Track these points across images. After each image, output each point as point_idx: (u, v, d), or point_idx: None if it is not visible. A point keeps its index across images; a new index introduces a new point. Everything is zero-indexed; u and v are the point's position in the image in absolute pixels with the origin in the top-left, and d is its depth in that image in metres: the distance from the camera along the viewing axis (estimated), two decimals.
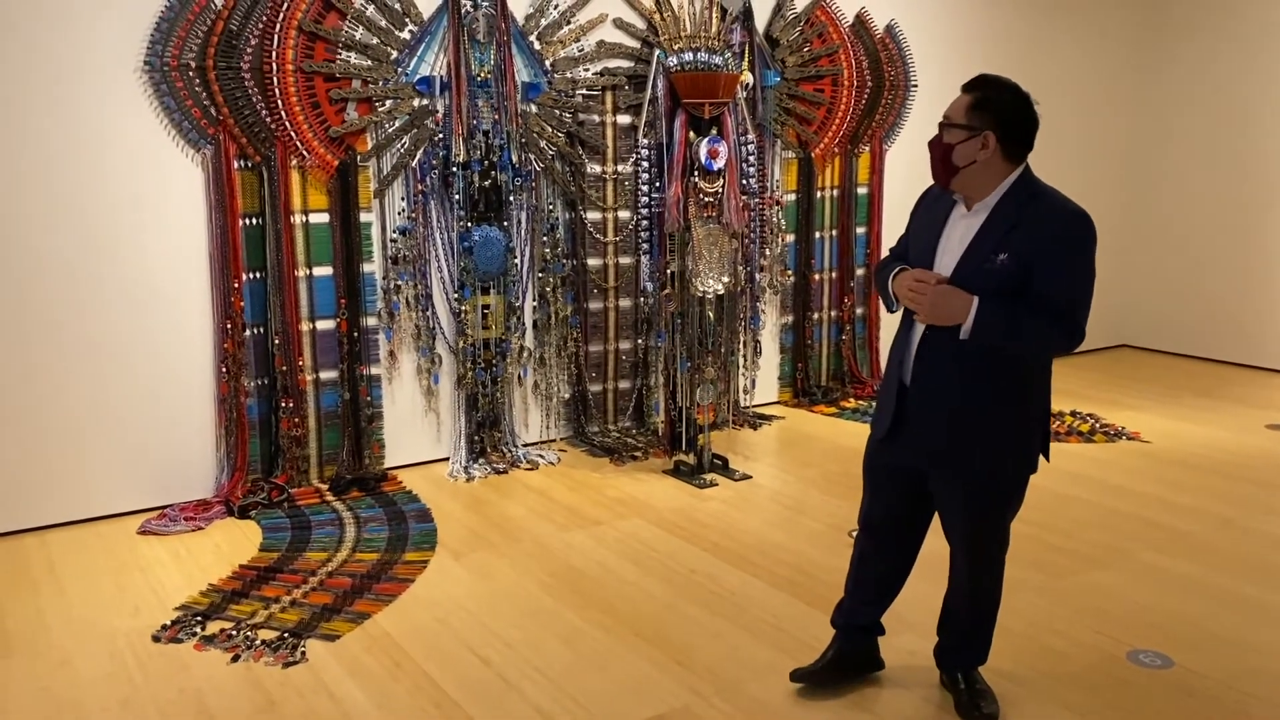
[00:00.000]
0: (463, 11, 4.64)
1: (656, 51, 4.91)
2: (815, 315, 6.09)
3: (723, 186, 4.73)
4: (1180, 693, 2.86)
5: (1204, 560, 3.78)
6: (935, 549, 2.80)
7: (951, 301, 2.43)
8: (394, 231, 4.69)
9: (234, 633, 3.22)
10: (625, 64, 5.16)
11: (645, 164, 5.06)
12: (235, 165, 4.31)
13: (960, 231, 2.53)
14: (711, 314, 4.89)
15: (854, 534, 3.93)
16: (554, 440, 5.28)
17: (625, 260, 5.30)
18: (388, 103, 4.59)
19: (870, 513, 2.83)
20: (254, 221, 4.39)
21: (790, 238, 5.92)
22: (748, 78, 5.30)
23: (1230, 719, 2.75)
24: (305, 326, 4.53)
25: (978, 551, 2.68)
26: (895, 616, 2.90)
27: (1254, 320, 7.00)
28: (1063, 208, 2.45)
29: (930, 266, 2.55)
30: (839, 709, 2.79)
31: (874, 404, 2.91)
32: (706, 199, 4.70)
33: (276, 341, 4.46)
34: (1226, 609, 3.39)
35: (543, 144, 4.96)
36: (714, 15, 4.81)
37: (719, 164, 4.67)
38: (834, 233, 6.08)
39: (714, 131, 4.69)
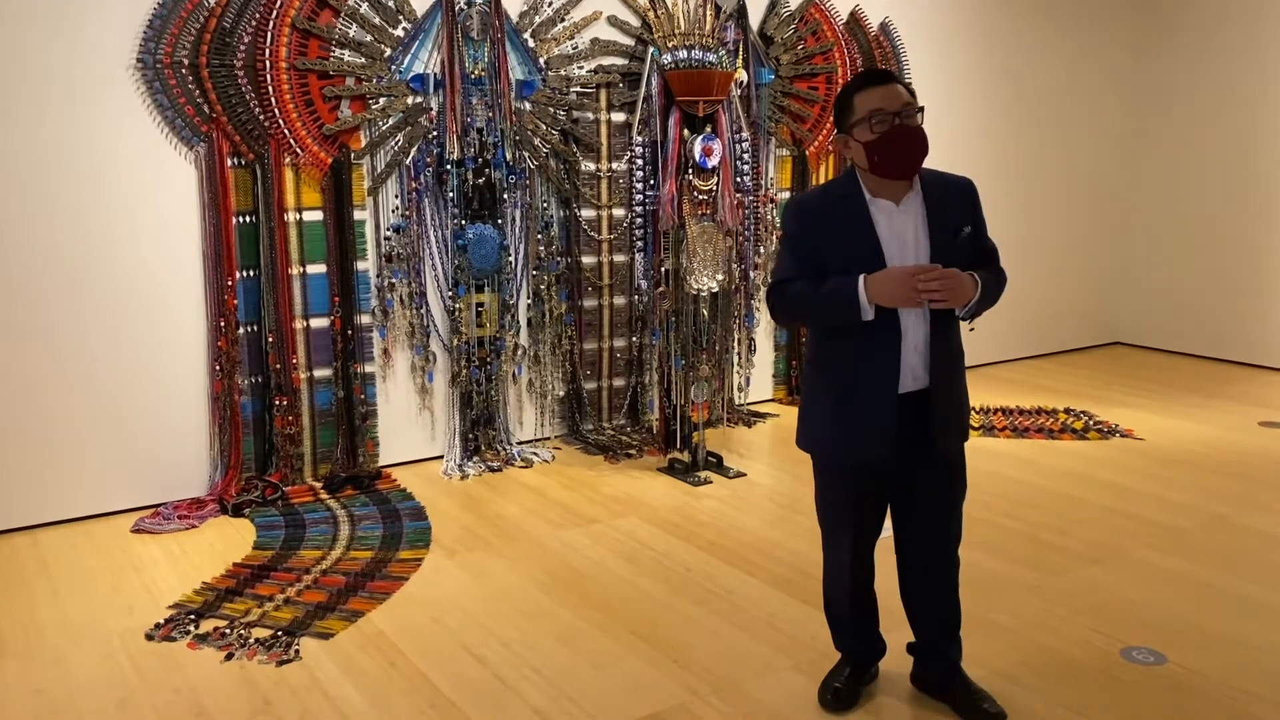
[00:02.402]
0: (456, 9, 4.63)
1: (651, 49, 4.91)
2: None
3: (717, 184, 4.73)
4: (1173, 689, 2.87)
5: (1197, 557, 3.79)
6: None
7: (964, 281, 2.44)
8: (388, 229, 4.68)
9: (228, 631, 3.21)
10: (620, 61, 5.15)
11: (640, 162, 5.06)
12: (229, 163, 4.30)
13: (905, 222, 2.52)
14: (706, 312, 4.89)
15: None
16: (548, 438, 5.28)
17: (620, 258, 5.29)
18: (381, 100, 4.58)
19: (863, 540, 2.72)
20: (247, 219, 4.38)
21: None
22: (742, 75, 5.30)
23: (1223, 715, 2.75)
24: (299, 324, 4.52)
25: (956, 527, 2.74)
26: (889, 613, 2.89)
27: (1247, 318, 7.02)
28: (955, 175, 2.63)
29: (882, 266, 2.49)
30: None
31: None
32: (701, 197, 4.70)
33: (270, 339, 4.45)
34: (1219, 606, 3.40)
35: (537, 141, 4.96)
36: (708, 13, 4.81)
37: (713, 162, 4.67)
38: None
39: (708, 129, 4.69)
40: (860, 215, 2.52)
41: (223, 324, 4.35)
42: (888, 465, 2.62)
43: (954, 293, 2.42)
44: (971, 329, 2.68)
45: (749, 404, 5.89)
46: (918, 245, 2.51)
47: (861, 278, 2.46)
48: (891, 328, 2.51)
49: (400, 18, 4.58)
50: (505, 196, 4.87)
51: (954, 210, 2.56)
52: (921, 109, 2.51)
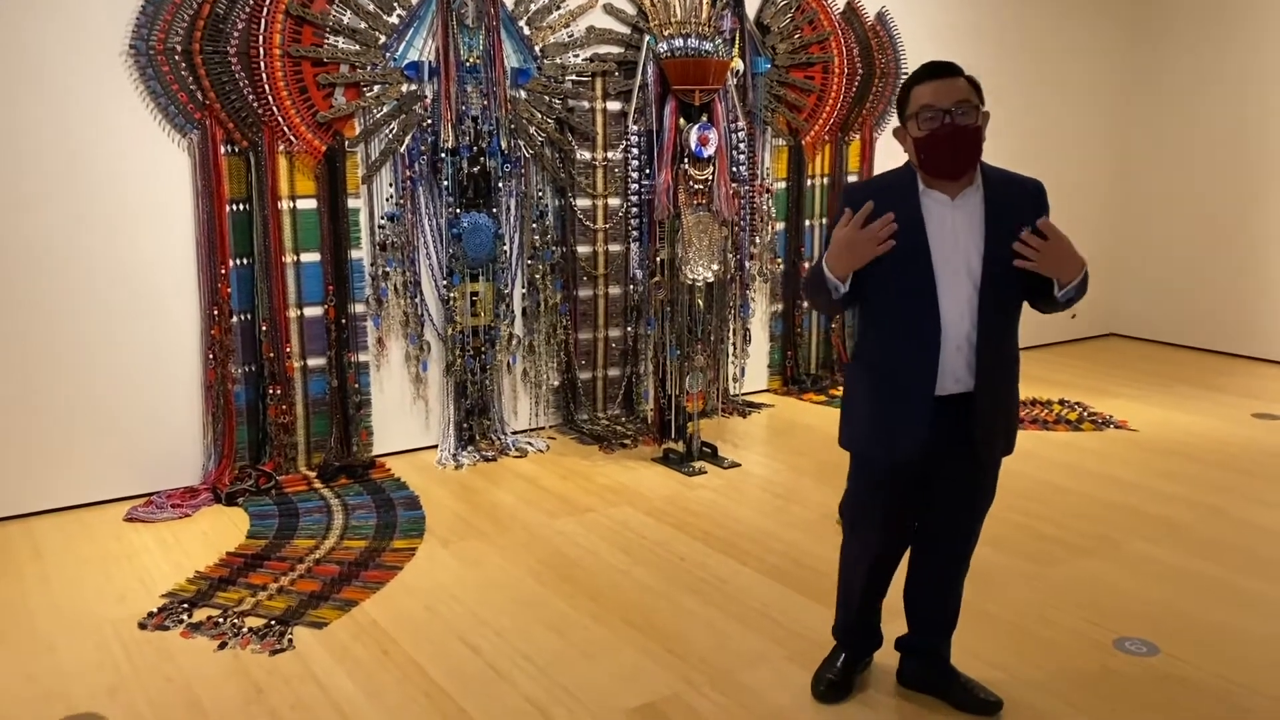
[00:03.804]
0: None
1: (647, 37, 4.89)
2: (805, 304, 6.08)
3: (713, 174, 4.72)
4: (1166, 680, 2.88)
5: (1191, 549, 3.80)
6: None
7: (1072, 258, 2.33)
8: (382, 218, 4.66)
9: (221, 620, 3.20)
10: (615, 50, 5.13)
11: (635, 151, 5.04)
12: (222, 151, 4.27)
13: (958, 219, 2.42)
14: (701, 302, 4.88)
15: (840, 521, 3.95)
16: (543, 428, 5.27)
17: (615, 248, 5.28)
18: (375, 88, 4.56)
19: (890, 544, 2.69)
20: (241, 207, 4.36)
21: (780, 226, 5.92)
22: (738, 64, 5.28)
23: (1214, 706, 2.76)
24: (293, 313, 4.50)
25: (976, 531, 2.70)
26: (886, 606, 2.89)
27: (1241, 310, 7.03)
28: (1024, 175, 2.54)
29: (928, 265, 2.40)
30: None
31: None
32: (696, 186, 4.68)
33: (264, 328, 4.43)
34: (1213, 597, 3.40)
35: (532, 130, 4.94)
36: (704, 1, 4.79)
37: (709, 151, 4.66)
38: (824, 221, 6.07)
39: (704, 118, 4.68)
40: (910, 206, 2.42)
41: (216, 312, 4.33)
42: (924, 466, 2.54)
43: (1052, 260, 2.31)
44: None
45: (744, 394, 5.88)
46: (969, 244, 2.41)
47: (825, 256, 2.42)
48: (931, 324, 2.42)
49: (395, 4, 4.55)
50: (500, 185, 4.85)
51: (1016, 212, 2.40)
52: (979, 107, 2.39)
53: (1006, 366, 2.53)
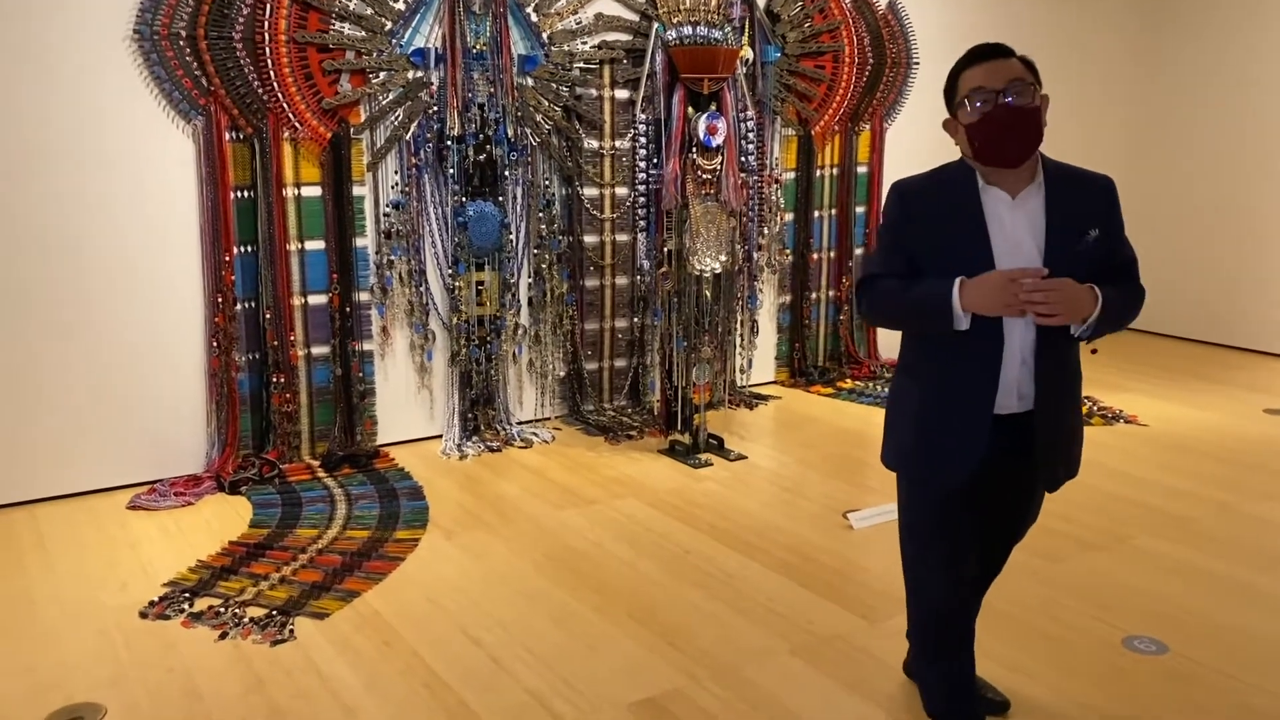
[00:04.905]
0: None
1: (655, 25, 4.84)
2: (813, 295, 6.04)
3: (721, 164, 4.67)
4: (1175, 679, 2.84)
5: (1201, 545, 3.76)
6: None
7: (1079, 294, 2.12)
8: (387, 205, 4.63)
9: (222, 610, 3.19)
10: (624, 37, 5.08)
11: (643, 140, 5.01)
12: (226, 137, 4.25)
13: (1019, 220, 2.21)
14: (708, 293, 4.85)
15: (848, 515, 3.92)
16: (549, 418, 5.25)
17: (622, 237, 5.24)
18: (381, 74, 4.52)
19: (954, 567, 2.41)
20: (245, 194, 4.33)
21: (789, 216, 5.87)
22: (747, 53, 5.23)
23: (1224, 705, 2.72)
24: (297, 301, 4.48)
25: (1017, 542, 2.62)
26: (892, 599, 2.86)
27: (1252, 304, 6.97)
28: (1092, 171, 2.33)
29: (990, 268, 2.17)
30: (832, 691, 2.77)
31: (892, 429, 2.46)
32: (704, 176, 4.64)
33: (268, 316, 4.41)
34: (1223, 594, 3.37)
35: (539, 118, 4.90)
36: None
37: (717, 140, 4.61)
38: (833, 212, 6.03)
39: (713, 107, 4.63)
40: (970, 205, 2.20)
41: (220, 300, 4.31)
42: (979, 483, 2.32)
43: (1065, 305, 2.10)
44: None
45: (751, 386, 5.85)
46: (1030, 248, 2.19)
47: (956, 283, 2.15)
48: (992, 337, 2.20)
49: None
50: (506, 173, 4.82)
51: (1080, 211, 2.20)
52: (1034, 85, 2.17)
53: (1069, 382, 2.34)
